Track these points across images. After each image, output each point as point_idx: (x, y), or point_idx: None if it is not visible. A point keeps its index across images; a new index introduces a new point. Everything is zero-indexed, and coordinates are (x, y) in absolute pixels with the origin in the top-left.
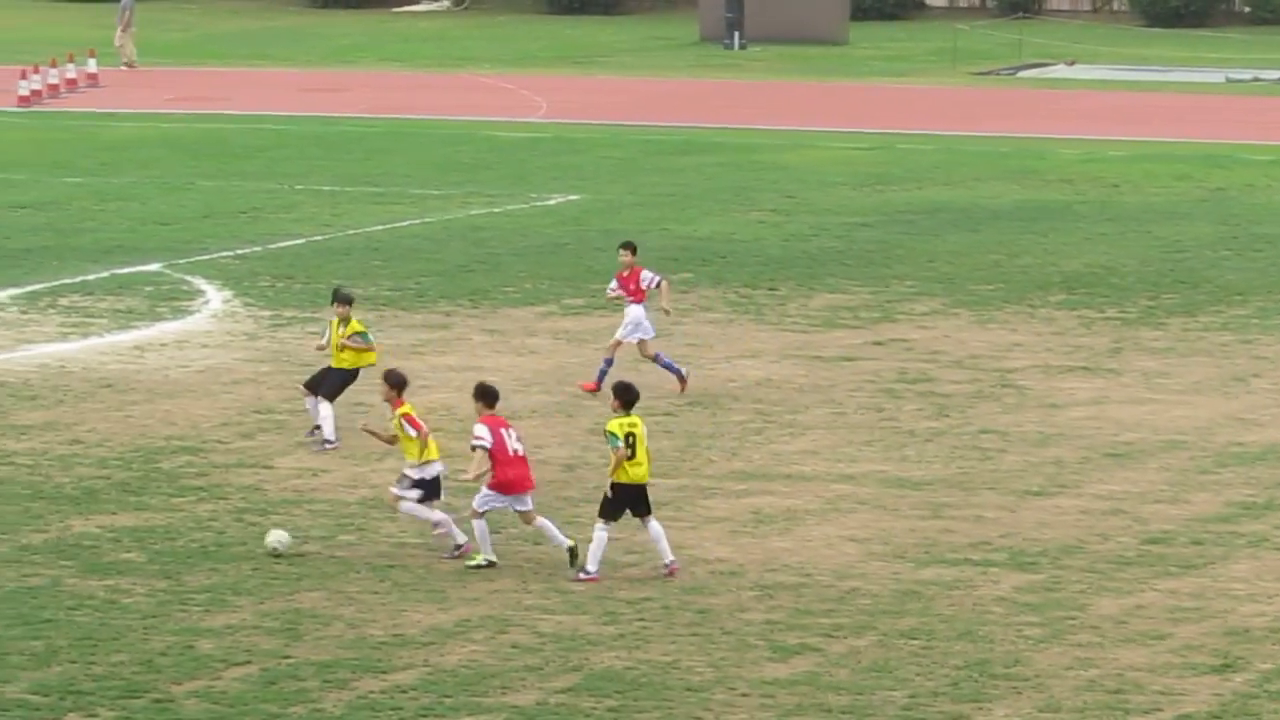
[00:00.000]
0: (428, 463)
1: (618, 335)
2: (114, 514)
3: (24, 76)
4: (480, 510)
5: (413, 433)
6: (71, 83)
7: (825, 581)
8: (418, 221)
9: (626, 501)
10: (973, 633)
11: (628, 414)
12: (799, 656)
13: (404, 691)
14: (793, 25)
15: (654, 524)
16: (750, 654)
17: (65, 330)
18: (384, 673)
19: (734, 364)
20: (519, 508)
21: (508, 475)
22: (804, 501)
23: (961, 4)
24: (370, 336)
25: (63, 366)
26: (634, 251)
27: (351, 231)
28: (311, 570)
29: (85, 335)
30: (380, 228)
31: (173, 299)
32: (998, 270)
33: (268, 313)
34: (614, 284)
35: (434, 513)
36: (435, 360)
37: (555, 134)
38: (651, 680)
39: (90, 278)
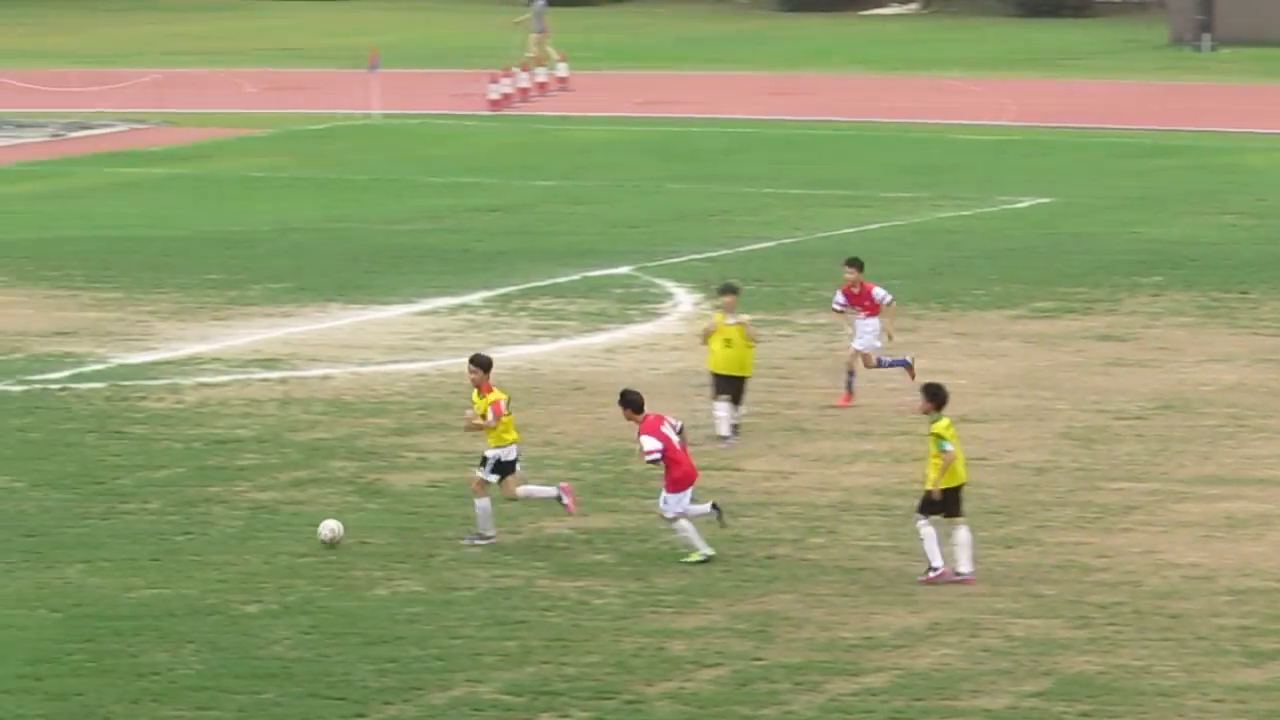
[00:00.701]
0: (508, 444)
1: (856, 345)
2: (586, 516)
3: (494, 81)
4: (672, 517)
5: (492, 417)
6: (541, 86)
7: None
8: (887, 224)
9: (949, 503)
10: None
11: (941, 415)
12: (1273, 662)
13: (875, 694)
14: (1266, 27)
15: (964, 530)
16: (1224, 659)
17: (536, 333)
18: (855, 675)
19: (1206, 368)
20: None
21: (684, 471)
22: (1278, 506)
23: None
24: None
25: (534, 369)
26: (860, 268)
27: (821, 235)
28: (782, 573)
29: (556, 338)
30: (850, 231)
31: (643, 301)
32: None
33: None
34: (840, 298)
35: (548, 488)
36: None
37: (1024, 137)
38: (1123, 685)
39: (561, 280)
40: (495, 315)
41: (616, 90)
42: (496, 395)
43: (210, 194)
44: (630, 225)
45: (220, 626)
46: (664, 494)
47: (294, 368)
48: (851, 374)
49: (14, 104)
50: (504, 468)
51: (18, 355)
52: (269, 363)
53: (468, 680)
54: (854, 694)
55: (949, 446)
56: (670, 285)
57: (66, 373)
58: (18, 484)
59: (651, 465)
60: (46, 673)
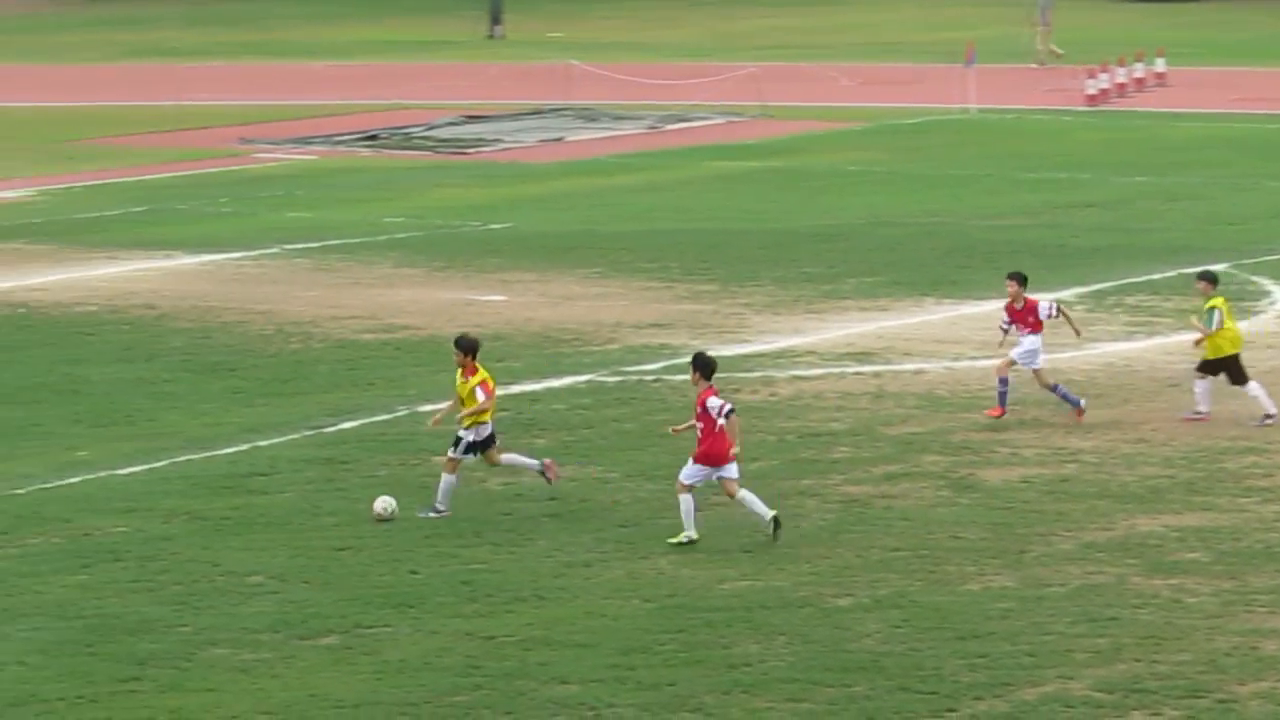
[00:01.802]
0: (484, 424)
1: (1012, 354)
2: (1179, 513)
3: (1092, 76)
4: (688, 483)
5: (482, 398)
6: (1139, 82)
7: None
8: None
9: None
10: None
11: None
12: None
13: None
14: None
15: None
16: None
17: (1131, 329)
18: None
19: None
20: (723, 475)
21: (716, 447)
22: None
23: None
24: (1216, 318)
25: (1128, 365)
26: (1023, 283)
27: None
28: None
29: (1150, 335)
30: None
31: (1239, 299)
32: None
33: None
34: (1005, 317)
35: (530, 459)
36: None
37: None
38: None
39: (1156, 277)
40: (1090, 311)
41: (1213, 87)
42: (483, 376)
43: (804, 188)
44: (1227, 222)
45: (811, 619)
46: (691, 461)
47: (887, 361)
48: (1004, 382)
49: (612, 96)
50: (479, 446)
51: (613, 346)
52: (862, 356)
53: (1059, 676)
54: None
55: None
56: (1267, 283)
57: (661, 364)
58: (612, 474)
59: (728, 418)
60: (639, 662)
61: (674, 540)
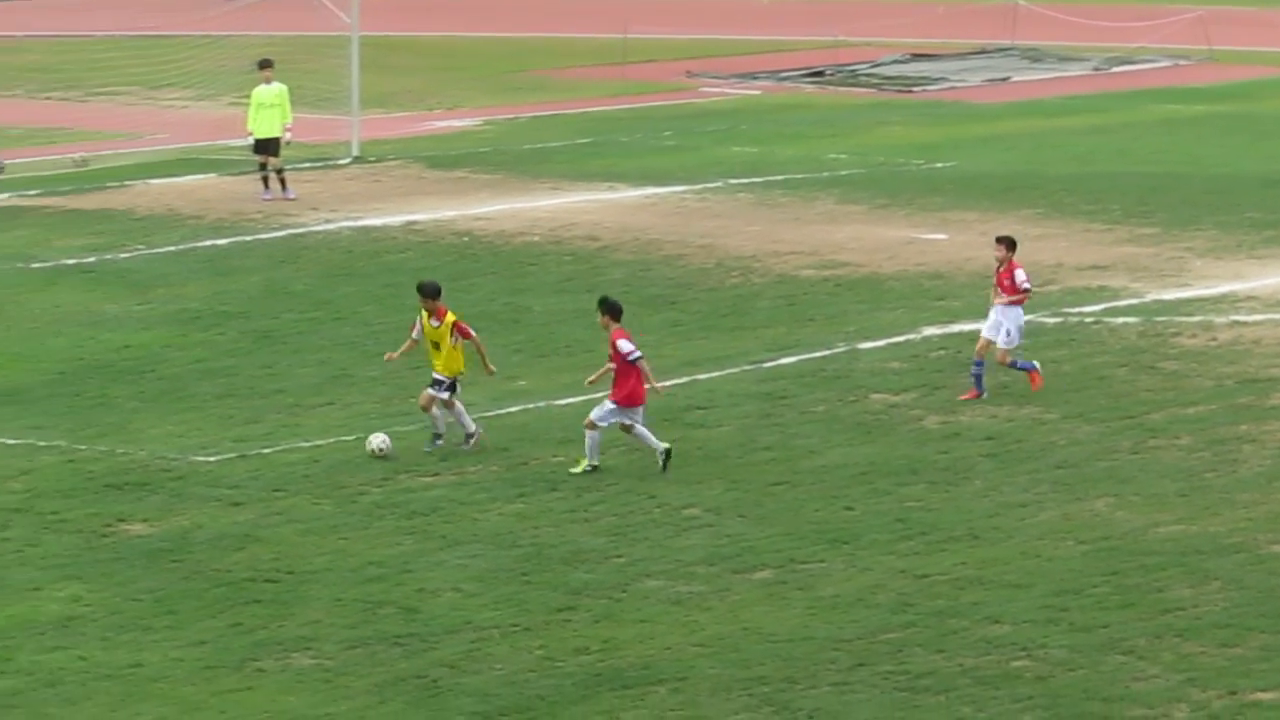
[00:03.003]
0: (456, 374)
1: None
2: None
3: None
4: (598, 423)
5: (458, 337)
6: None
7: None
8: None
9: None
10: None
11: None
12: None
13: None
14: None
15: None
16: None
17: None
18: None
19: None
20: (630, 420)
21: (635, 389)
22: None
23: None
24: None
25: None
26: (1010, 247)
27: None
28: None
29: None
30: None
31: None
32: None
33: None
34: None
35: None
36: None
37: None
38: None
39: None
40: None
41: None
42: (453, 317)
43: (1250, 132)
44: None
45: (1245, 565)
46: (607, 401)
47: None
48: (979, 365)
49: (1057, 37)
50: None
51: (1053, 287)
52: None
53: None
54: None
55: None
56: None
57: (1100, 306)
58: (1049, 415)
59: (634, 364)
60: (1071, 604)
61: (576, 470)
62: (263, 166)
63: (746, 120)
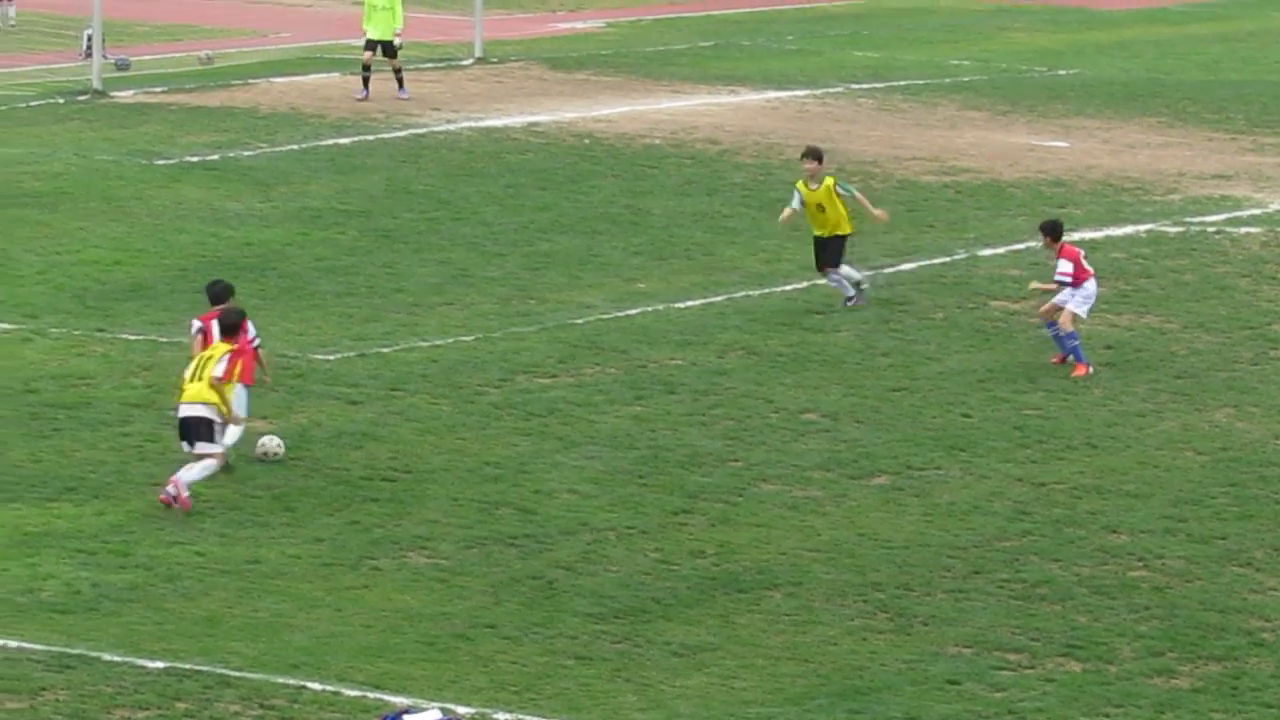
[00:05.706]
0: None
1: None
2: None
3: None
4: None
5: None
6: None
7: None
8: None
9: None
10: None
11: None
12: None
13: None
14: None
15: None
16: None
17: None
18: None
19: None
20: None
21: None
22: None
23: None
24: None
25: None
26: (1052, 235)
27: None
28: None
29: None
30: None
31: None
32: None
33: None
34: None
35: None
36: None
37: None
38: None
39: None
40: None
41: None
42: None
43: None
44: None
45: None
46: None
47: None
48: (1069, 337)
49: None
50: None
51: (1175, 196)
52: None
53: None
54: None
55: None
56: None
57: (1223, 216)
58: (1170, 325)
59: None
60: (1189, 514)
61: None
62: (366, 67)
63: (869, 25)
